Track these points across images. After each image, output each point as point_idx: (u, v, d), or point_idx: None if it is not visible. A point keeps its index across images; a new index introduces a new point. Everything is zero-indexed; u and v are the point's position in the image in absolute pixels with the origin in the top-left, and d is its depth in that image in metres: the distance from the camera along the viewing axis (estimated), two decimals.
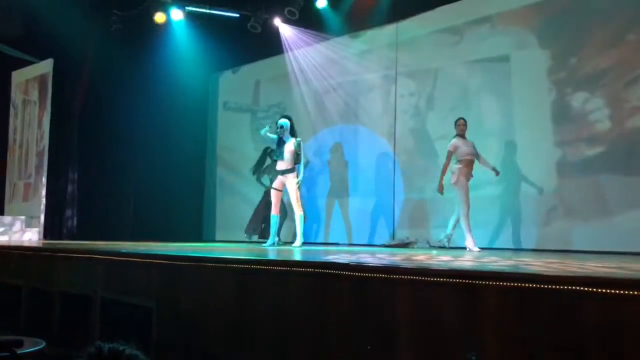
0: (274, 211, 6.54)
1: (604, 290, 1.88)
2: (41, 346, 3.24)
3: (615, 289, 1.86)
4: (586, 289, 1.92)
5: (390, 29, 7.71)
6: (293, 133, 6.49)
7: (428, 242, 6.84)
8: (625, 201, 5.59)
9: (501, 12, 6.72)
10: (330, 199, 8.18)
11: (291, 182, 6.32)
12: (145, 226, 8.41)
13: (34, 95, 9.11)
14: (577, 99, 6.05)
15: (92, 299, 4.22)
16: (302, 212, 6.39)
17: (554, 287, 1.99)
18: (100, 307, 4.13)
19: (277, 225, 6.62)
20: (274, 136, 6.43)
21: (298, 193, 6.36)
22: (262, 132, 6.49)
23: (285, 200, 6.96)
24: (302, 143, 6.44)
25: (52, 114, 8.65)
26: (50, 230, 8.31)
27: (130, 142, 8.76)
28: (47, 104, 8.74)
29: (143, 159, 8.82)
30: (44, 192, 8.56)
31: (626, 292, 1.83)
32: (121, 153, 8.70)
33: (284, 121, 6.48)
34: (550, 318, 1.99)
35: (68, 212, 8.49)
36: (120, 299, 3.98)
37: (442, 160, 6.55)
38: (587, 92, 5.98)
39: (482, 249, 5.88)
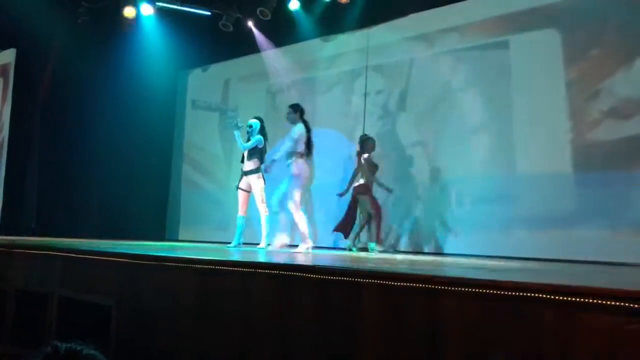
0: (241, 212, 6.51)
1: (561, 298, 1.93)
2: None
3: (571, 297, 1.91)
4: (545, 296, 1.97)
5: (361, 34, 7.76)
6: (263, 134, 6.52)
7: (392, 246, 6.91)
8: (581, 212, 5.77)
9: (470, 23, 6.84)
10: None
11: (255, 183, 6.32)
12: (108, 223, 8.24)
13: None
14: (541, 111, 6.20)
15: (49, 297, 4.11)
16: (267, 213, 6.37)
17: (514, 293, 2.03)
18: (57, 305, 4.03)
19: (243, 227, 6.57)
20: (243, 144, 6.40)
21: (263, 193, 6.35)
22: (236, 135, 6.44)
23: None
24: (260, 139, 6.38)
25: (13, 105, 8.40)
26: (7, 225, 8.05)
27: (95, 137, 8.57)
28: (8, 95, 8.49)
29: (108, 154, 8.65)
30: (2, 186, 8.29)
31: (581, 299, 1.88)
32: (85, 148, 8.50)
33: (253, 121, 6.52)
34: (509, 323, 2.03)
35: (27, 207, 8.24)
36: (78, 297, 3.89)
37: (414, 164, 6.81)
38: (551, 104, 6.13)
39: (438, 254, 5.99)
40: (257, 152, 6.38)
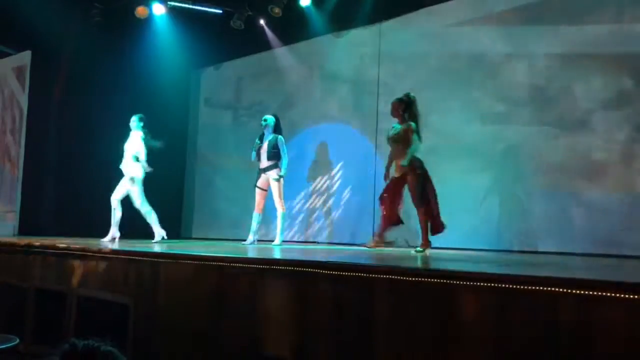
0: (257, 210, 6.56)
1: (578, 292, 1.92)
2: (14, 343, 3.20)
3: (588, 291, 1.89)
4: (560, 290, 1.95)
5: (373, 29, 7.73)
6: (278, 131, 6.55)
7: (407, 242, 6.88)
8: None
9: (483, 16, 6.77)
10: (312, 198, 8.19)
11: (273, 179, 6.36)
12: (124, 222, 8.31)
13: (12, 86, 8.95)
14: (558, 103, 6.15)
15: (67, 295, 4.17)
16: (284, 210, 6.40)
17: (529, 287, 2.02)
18: (76, 303, 4.08)
19: (258, 224, 6.61)
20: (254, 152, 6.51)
21: (281, 190, 6.38)
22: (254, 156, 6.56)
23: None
24: (281, 139, 6.44)
25: (30, 107, 8.51)
26: (26, 225, 8.17)
27: (110, 137, 8.59)
28: (25, 97, 8.60)
29: (123, 154, 8.72)
30: (20, 186, 8.41)
31: (598, 293, 1.87)
32: (100, 148, 8.57)
33: (269, 116, 6.56)
34: (525, 318, 2.02)
35: (45, 207, 8.34)
36: (96, 295, 3.95)
37: (425, 161, 6.75)
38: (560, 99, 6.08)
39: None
40: (275, 149, 6.41)
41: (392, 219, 5.38)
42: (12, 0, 7.35)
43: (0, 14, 7.69)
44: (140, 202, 6.47)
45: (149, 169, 6.47)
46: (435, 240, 5.51)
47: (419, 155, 5.24)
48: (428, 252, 5.07)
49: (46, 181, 8.44)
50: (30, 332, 4.42)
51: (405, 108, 5.28)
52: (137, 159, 6.44)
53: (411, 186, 5.14)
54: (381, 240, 5.37)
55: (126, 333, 3.56)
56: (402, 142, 5.22)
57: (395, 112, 5.36)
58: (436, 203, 5.16)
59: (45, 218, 8.28)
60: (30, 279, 4.63)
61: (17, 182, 8.48)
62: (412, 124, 5.20)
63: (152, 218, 6.51)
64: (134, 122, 6.65)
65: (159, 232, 6.50)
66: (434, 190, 5.19)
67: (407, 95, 5.36)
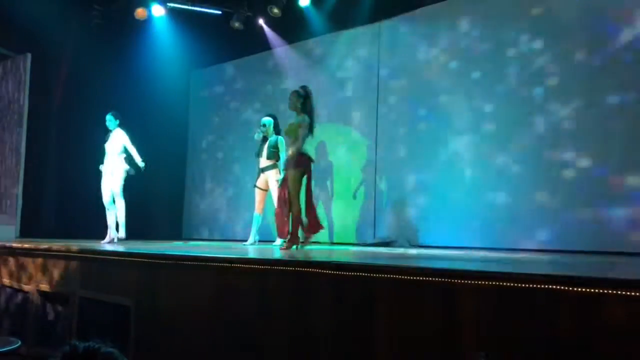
0: (257, 210, 6.58)
1: (578, 289, 1.91)
2: (16, 345, 3.21)
3: (590, 288, 1.89)
4: (562, 287, 1.95)
5: (373, 28, 7.73)
6: (277, 131, 6.58)
7: (408, 241, 6.88)
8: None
9: (484, 13, 6.77)
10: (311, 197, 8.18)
11: (272, 179, 6.39)
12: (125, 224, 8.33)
13: (12, 88, 8.95)
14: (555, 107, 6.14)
15: (69, 297, 4.17)
16: None
17: (529, 286, 2.02)
18: (77, 306, 4.09)
19: (259, 225, 6.62)
20: (259, 134, 6.58)
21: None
22: (255, 137, 6.65)
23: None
24: (281, 139, 6.45)
25: (30, 110, 8.50)
26: (27, 228, 8.17)
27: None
28: (25, 99, 8.60)
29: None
30: (20, 189, 8.41)
31: (599, 290, 1.86)
32: (101, 149, 8.58)
33: (267, 119, 6.59)
34: (526, 316, 2.02)
35: (45, 210, 8.35)
36: (98, 297, 3.95)
37: (425, 160, 6.71)
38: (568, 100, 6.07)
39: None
40: (274, 149, 6.44)
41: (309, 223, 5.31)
42: (12, 3, 7.35)
43: (0, 16, 7.70)
44: (119, 195, 6.52)
45: (141, 164, 6.48)
46: (435, 239, 5.52)
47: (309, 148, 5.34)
48: (293, 248, 5.11)
49: (47, 183, 8.44)
50: (32, 334, 4.42)
51: (303, 101, 5.31)
52: (124, 155, 6.51)
53: (289, 181, 5.17)
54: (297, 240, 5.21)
55: (127, 334, 3.56)
56: (293, 135, 5.25)
57: (292, 105, 5.36)
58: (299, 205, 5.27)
59: (45, 220, 8.28)
60: (32, 282, 4.63)
61: (17, 183, 8.47)
62: (307, 118, 5.22)
63: (123, 215, 6.51)
64: (110, 120, 6.56)
65: (122, 233, 6.49)
66: (308, 191, 5.35)
67: (304, 88, 5.38)
